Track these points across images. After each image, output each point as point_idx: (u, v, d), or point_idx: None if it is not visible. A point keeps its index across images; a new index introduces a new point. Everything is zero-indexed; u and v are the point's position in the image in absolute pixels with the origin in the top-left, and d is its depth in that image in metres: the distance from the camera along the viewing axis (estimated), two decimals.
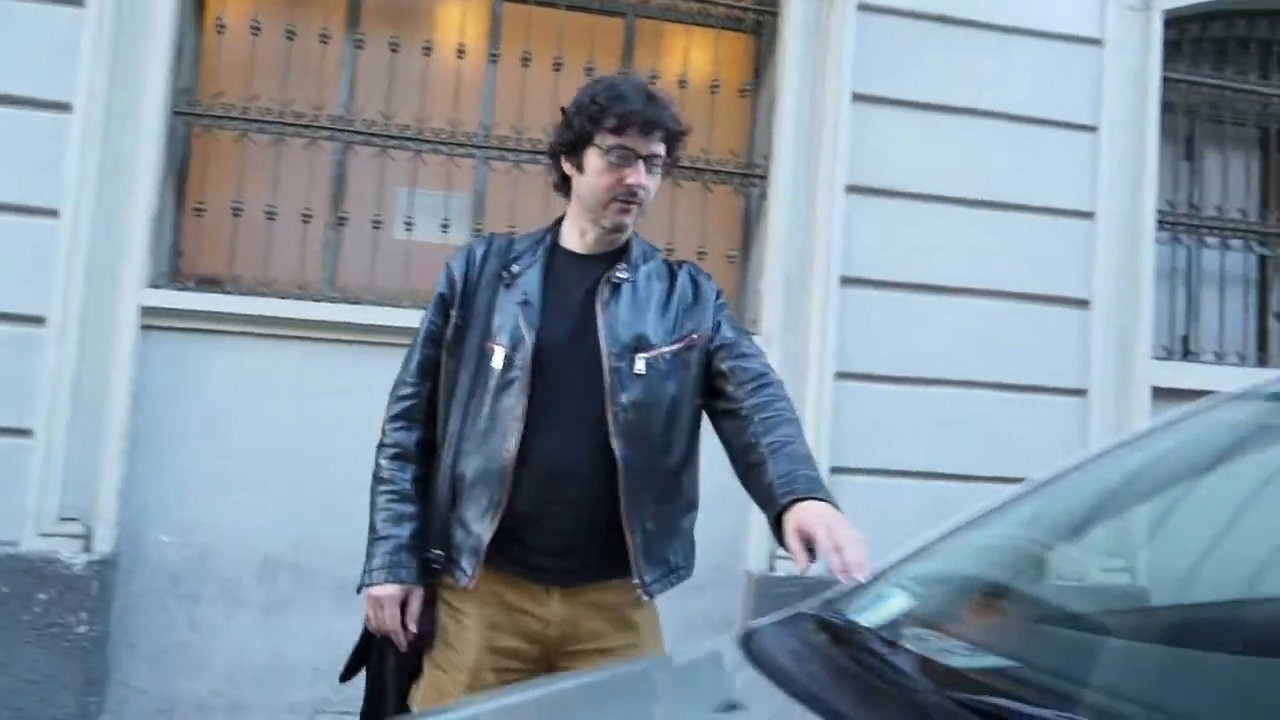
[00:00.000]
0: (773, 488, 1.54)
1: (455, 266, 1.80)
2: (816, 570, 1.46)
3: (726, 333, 1.77)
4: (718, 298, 1.82)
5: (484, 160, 3.78)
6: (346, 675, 1.82)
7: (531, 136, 3.76)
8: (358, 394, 3.24)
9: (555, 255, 1.79)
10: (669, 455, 1.70)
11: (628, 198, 1.70)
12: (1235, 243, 4.39)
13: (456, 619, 1.73)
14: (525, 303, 1.72)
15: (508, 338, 1.69)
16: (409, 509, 1.74)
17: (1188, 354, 4.30)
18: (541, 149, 3.74)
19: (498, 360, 1.69)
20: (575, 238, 1.80)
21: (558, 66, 3.83)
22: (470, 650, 1.69)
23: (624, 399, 1.65)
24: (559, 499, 1.65)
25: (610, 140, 1.69)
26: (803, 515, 1.46)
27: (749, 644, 1.31)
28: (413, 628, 1.73)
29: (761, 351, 1.79)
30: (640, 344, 1.69)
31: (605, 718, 1.20)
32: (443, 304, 1.79)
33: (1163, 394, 4.01)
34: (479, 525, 1.67)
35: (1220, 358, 4.31)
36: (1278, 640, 1.38)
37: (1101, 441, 3.96)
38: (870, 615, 1.36)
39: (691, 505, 1.78)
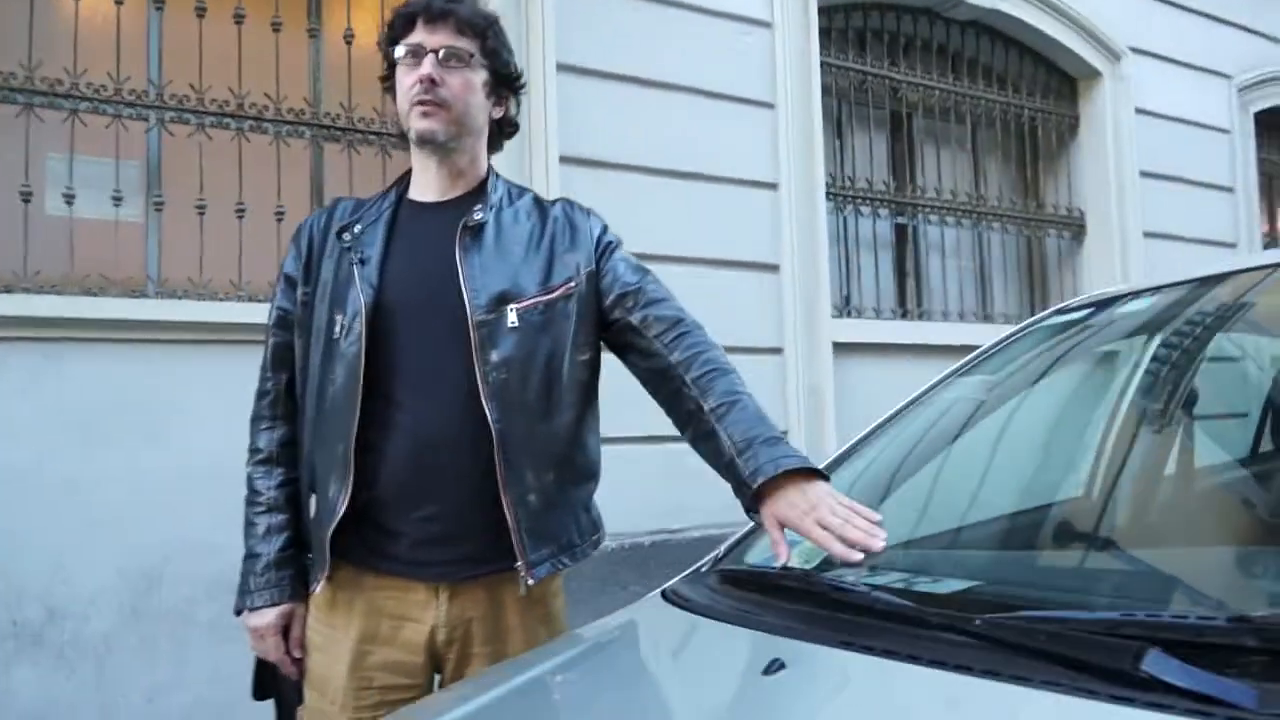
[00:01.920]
0: (735, 468, 1.38)
1: (297, 240, 1.61)
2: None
3: (626, 276, 1.57)
4: (603, 234, 1.61)
5: (159, 123, 3.26)
6: (259, 695, 1.60)
7: (216, 97, 3.31)
8: None
9: (402, 208, 1.59)
10: (551, 419, 1.50)
11: (423, 96, 1.50)
12: (883, 211, 4.99)
13: (325, 634, 1.49)
14: (362, 261, 1.51)
15: (348, 304, 1.50)
16: (278, 519, 1.53)
17: (852, 311, 4.82)
18: (230, 112, 3.32)
19: (339, 331, 1.48)
20: (420, 184, 1.61)
21: (239, 20, 3.40)
22: (341, 669, 1.46)
23: (494, 356, 1.45)
24: (430, 478, 1.45)
25: (401, 45, 1.54)
26: (780, 507, 1.30)
27: (703, 605, 1.25)
28: (297, 654, 1.47)
29: (670, 292, 1.59)
30: (510, 294, 1.49)
31: (631, 700, 1.08)
32: (288, 284, 1.59)
33: (840, 348, 4.46)
34: (327, 518, 1.45)
35: (878, 313, 4.88)
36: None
37: (799, 398, 4.33)
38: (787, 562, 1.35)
39: (587, 475, 1.60)
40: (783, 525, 1.29)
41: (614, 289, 1.55)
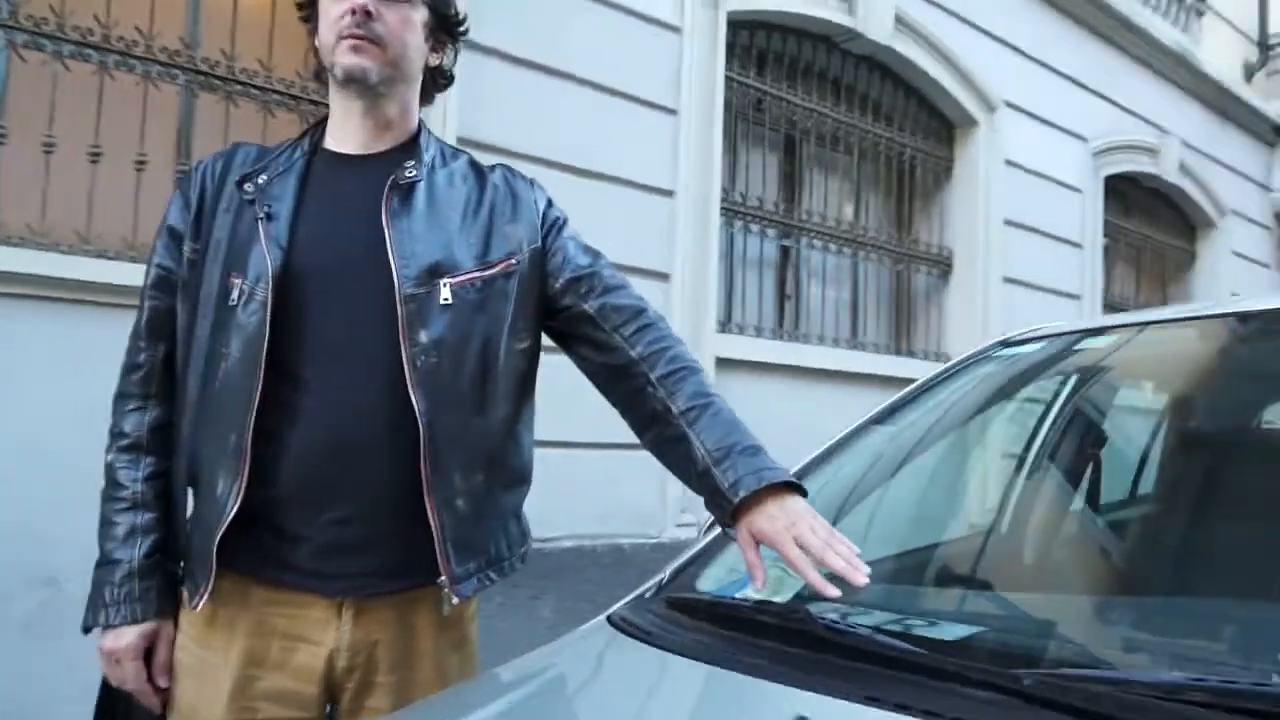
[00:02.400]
0: (710, 478, 1.23)
1: (184, 188, 1.36)
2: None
3: (577, 258, 1.38)
4: (549, 208, 1.42)
5: (9, 46, 2.85)
6: None
7: (79, 24, 2.93)
8: None
9: (317, 158, 1.36)
10: (486, 413, 1.30)
11: (355, 30, 1.27)
12: (771, 231, 5.00)
13: (199, 657, 1.25)
14: (269, 217, 1.28)
15: (249, 267, 1.26)
16: (144, 518, 1.27)
17: (734, 327, 4.80)
18: (93, 43, 2.95)
19: (236, 297, 1.25)
20: (340, 132, 1.37)
21: None
22: (218, 698, 1.23)
23: (424, 337, 1.25)
24: (342, 474, 1.23)
25: None
26: (759, 521, 1.17)
27: (669, 639, 1.12)
28: (163, 682, 1.21)
29: (624, 278, 1.42)
30: (443, 266, 1.28)
31: None
32: (172, 239, 1.34)
33: (722, 363, 4.43)
34: (214, 519, 1.22)
35: (759, 331, 4.88)
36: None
37: None
38: (751, 592, 1.24)
39: (519, 478, 1.40)
40: (759, 543, 1.16)
41: (564, 271, 1.37)
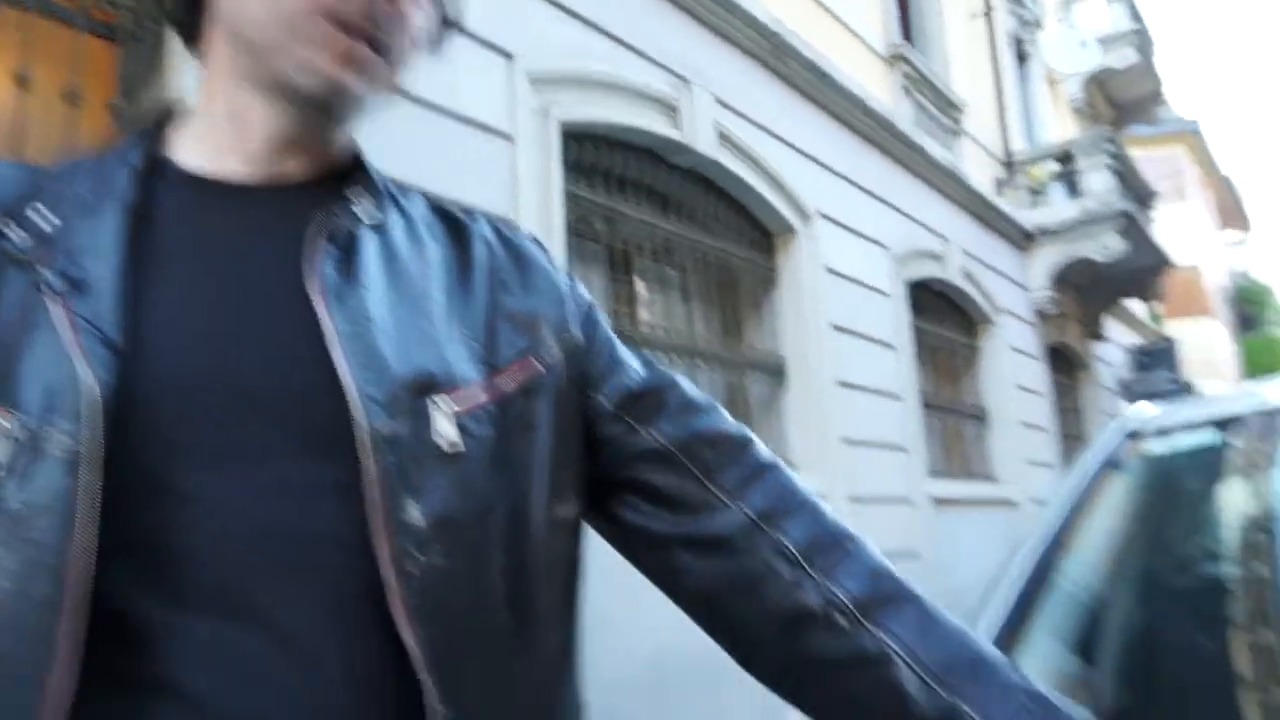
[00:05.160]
0: None
1: None
2: None
3: (630, 366, 0.81)
4: (574, 284, 0.83)
5: None
6: None
7: None
8: None
9: (161, 184, 0.71)
10: (532, 647, 0.69)
11: (362, 31, 0.68)
12: None
13: None
14: (75, 287, 0.63)
15: (33, 393, 0.59)
16: None
17: None
18: None
19: (5, 454, 0.58)
20: (223, 141, 0.73)
21: None
22: None
23: (417, 515, 0.63)
24: None
25: None
26: None
27: None
28: None
29: (709, 398, 0.84)
30: (437, 380, 0.68)
31: None
32: None
33: None
34: None
35: None
36: None
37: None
38: None
39: None
40: None
41: (618, 379, 0.79)
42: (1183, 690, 1.13)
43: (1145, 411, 1.53)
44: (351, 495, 0.62)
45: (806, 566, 0.72)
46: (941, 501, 6.82)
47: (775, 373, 5.73)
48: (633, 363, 0.81)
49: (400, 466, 0.63)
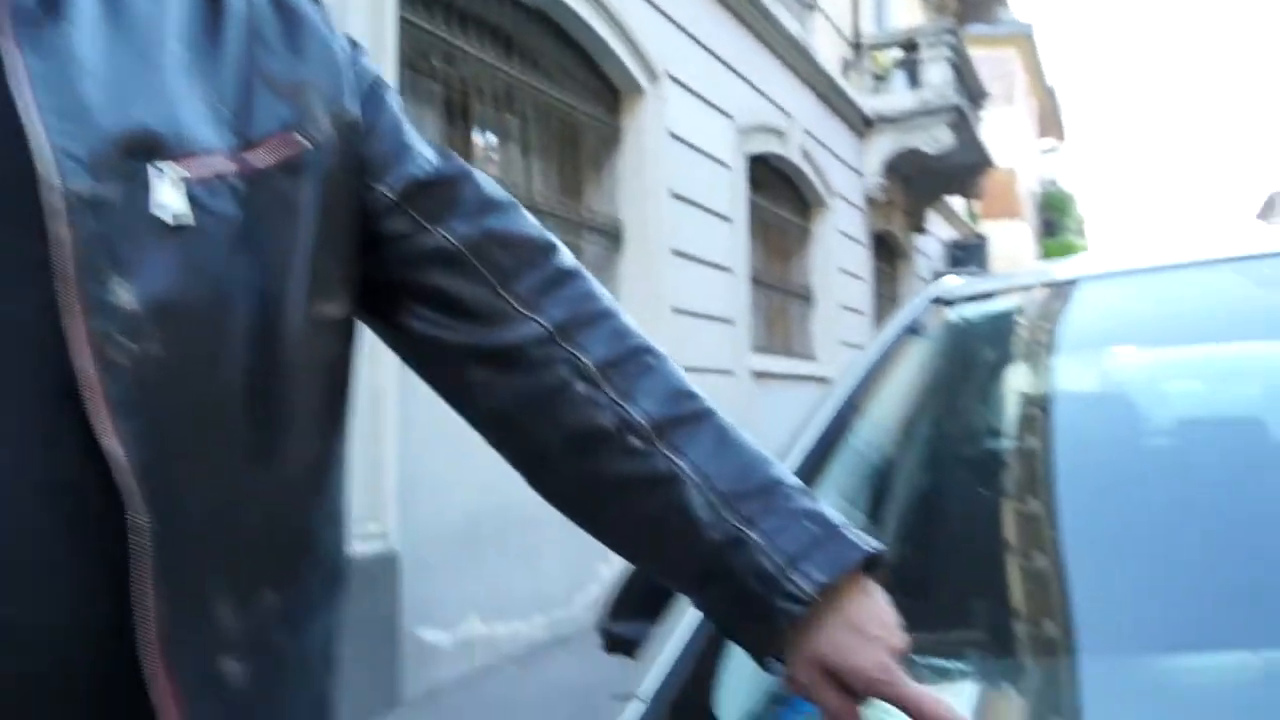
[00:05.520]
0: (736, 556, 0.64)
1: None
2: None
3: (422, 151, 0.70)
4: (359, 52, 0.71)
5: None
6: None
7: None
8: None
9: None
10: (271, 458, 0.61)
11: None
12: None
13: None
14: None
15: None
16: None
17: None
18: None
19: None
20: None
21: None
22: None
23: (126, 296, 0.54)
24: None
25: None
26: (821, 646, 0.63)
27: None
28: None
29: (497, 185, 0.74)
30: (161, 139, 0.57)
31: None
32: None
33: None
34: None
35: None
36: None
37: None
38: None
39: (333, 579, 0.70)
40: (825, 676, 0.64)
41: (401, 167, 0.69)
42: (955, 552, 1.16)
43: (952, 282, 1.54)
44: (43, 272, 0.53)
45: (603, 384, 0.68)
46: (762, 375, 7.03)
47: (612, 237, 5.64)
48: (424, 150, 0.71)
49: (104, 237, 0.55)
